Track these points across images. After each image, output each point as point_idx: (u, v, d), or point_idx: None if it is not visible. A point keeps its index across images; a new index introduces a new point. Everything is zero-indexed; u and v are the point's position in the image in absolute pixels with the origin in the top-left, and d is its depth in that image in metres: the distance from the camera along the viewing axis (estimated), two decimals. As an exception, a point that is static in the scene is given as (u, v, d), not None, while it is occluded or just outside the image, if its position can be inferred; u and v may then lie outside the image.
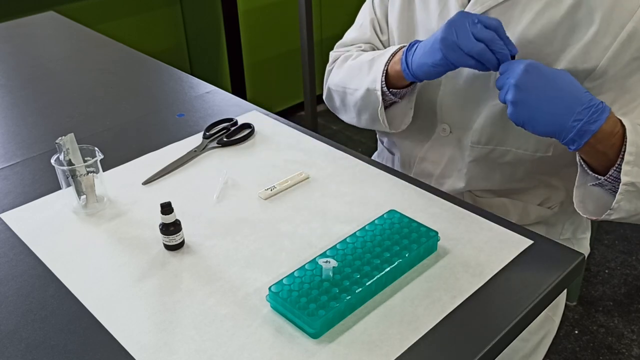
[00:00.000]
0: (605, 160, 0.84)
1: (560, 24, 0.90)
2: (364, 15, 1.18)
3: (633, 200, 0.85)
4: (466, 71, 1.02)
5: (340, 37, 1.26)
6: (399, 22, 1.10)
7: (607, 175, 0.84)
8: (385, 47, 1.17)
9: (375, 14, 1.17)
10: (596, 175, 0.86)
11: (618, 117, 0.85)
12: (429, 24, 1.06)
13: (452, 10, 1.01)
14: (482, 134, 1.02)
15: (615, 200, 0.83)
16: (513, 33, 0.94)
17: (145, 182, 0.98)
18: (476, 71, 1.00)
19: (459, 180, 1.07)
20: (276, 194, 0.92)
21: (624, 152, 0.82)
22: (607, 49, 0.88)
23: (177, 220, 0.82)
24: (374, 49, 1.17)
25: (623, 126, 0.83)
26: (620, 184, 0.82)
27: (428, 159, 1.10)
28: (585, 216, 0.89)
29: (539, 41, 0.92)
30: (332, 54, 1.21)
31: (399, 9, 1.10)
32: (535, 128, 0.82)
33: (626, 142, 0.82)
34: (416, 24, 1.09)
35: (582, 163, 0.88)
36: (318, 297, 0.70)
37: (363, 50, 1.14)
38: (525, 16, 0.93)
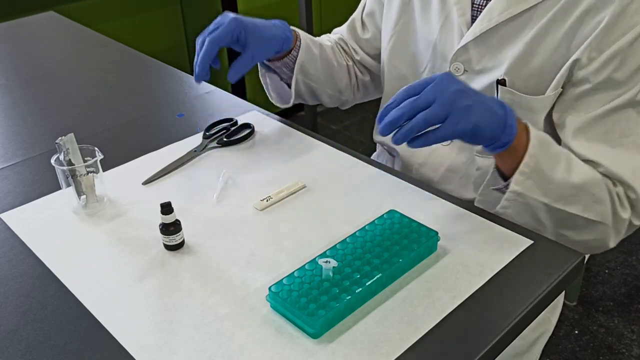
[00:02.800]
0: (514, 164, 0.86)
1: (565, 36, 0.90)
2: (354, 14, 1.20)
3: (522, 212, 0.87)
4: (471, 84, 1.02)
5: (340, 37, 1.27)
6: (394, 29, 1.10)
7: (507, 183, 0.86)
8: (365, 47, 1.20)
9: (362, 13, 1.18)
10: (499, 186, 0.88)
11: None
12: (430, 36, 1.05)
13: (455, 24, 1.00)
14: None
15: (500, 205, 0.87)
16: (517, 47, 0.93)
17: (145, 182, 0.98)
18: (478, 88, 1.00)
19: (461, 189, 1.06)
20: (272, 204, 0.91)
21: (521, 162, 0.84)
22: (590, 62, 0.89)
23: (177, 220, 0.82)
24: (347, 45, 1.22)
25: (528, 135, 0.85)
26: (508, 190, 0.85)
27: (427, 165, 1.09)
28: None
29: (543, 52, 0.92)
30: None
31: (396, 14, 1.09)
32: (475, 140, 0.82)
33: (526, 153, 0.83)
34: (414, 33, 1.08)
35: (496, 168, 0.90)
36: (318, 297, 0.70)
37: (336, 40, 1.21)
38: (531, 31, 0.92)
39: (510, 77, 0.94)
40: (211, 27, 1.00)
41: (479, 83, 1.00)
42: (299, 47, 1.08)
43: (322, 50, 1.13)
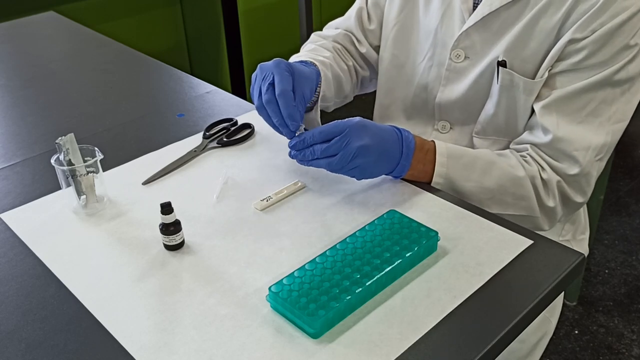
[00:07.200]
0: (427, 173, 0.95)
1: (560, 18, 0.91)
2: (356, 3, 1.20)
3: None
4: (469, 74, 1.02)
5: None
6: (397, 18, 1.11)
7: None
8: (370, 38, 1.18)
9: (367, 3, 1.18)
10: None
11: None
12: (431, 24, 1.06)
13: (457, 11, 1.01)
14: (486, 126, 1.03)
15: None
16: (516, 29, 0.94)
17: (145, 182, 0.98)
18: (478, 73, 1.00)
19: None
20: (272, 204, 0.91)
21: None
22: (578, 42, 0.89)
23: (177, 220, 0.82)
24: (351, 39, 1.20)
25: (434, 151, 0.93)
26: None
27: None
28: None
29: (539, 34, 0.93)
30: (312, 35, 1.23)
31: (398, 4, 1.10)
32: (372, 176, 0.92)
33: (434, 173, 0.93)
34: (417, 23, 1.09)
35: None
36: (318, 297, 0.70)
37: (333, 40, 1.19)
38: (530, 13, 0.93)
39: (508, 59, 0.96)
40: (259, 82, 0.92)
41: (478, 68, 1.00)
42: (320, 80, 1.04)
43: (332, 68, 1.10)
